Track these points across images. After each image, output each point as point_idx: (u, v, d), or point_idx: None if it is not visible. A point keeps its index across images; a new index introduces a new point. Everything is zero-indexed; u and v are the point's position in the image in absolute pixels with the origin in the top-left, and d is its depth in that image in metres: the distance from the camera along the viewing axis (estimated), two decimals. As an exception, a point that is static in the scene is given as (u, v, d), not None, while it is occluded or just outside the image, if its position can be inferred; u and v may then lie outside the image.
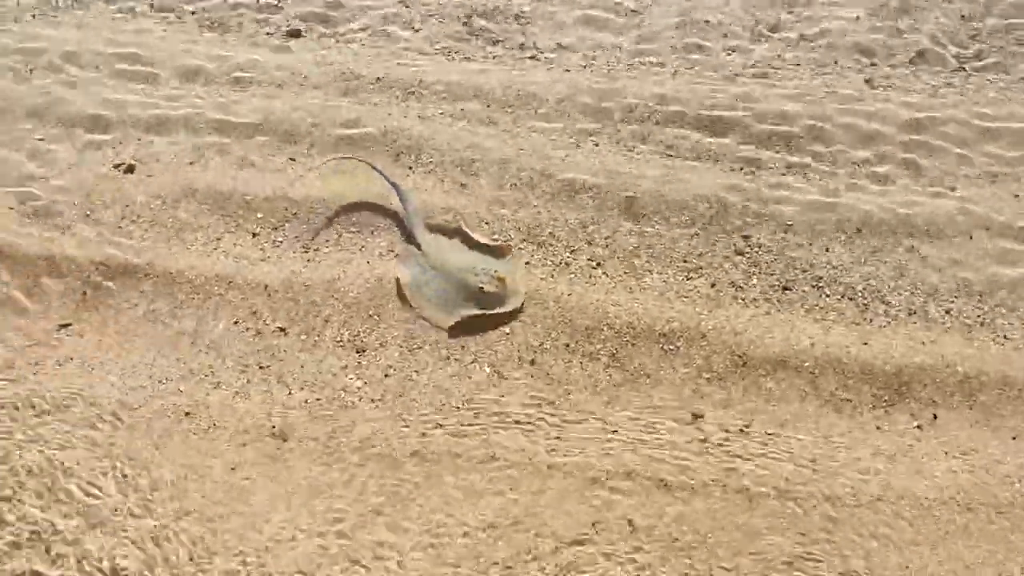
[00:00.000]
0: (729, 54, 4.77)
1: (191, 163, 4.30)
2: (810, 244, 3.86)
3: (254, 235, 4.00)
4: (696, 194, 4.04)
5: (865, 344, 3.50)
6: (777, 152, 4.24)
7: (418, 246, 3.85)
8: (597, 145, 4.28)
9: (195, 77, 4.77)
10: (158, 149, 4.37)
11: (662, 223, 3.95)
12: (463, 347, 3.60)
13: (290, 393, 3.49)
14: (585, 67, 4.69)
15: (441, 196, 4.07)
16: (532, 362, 3.54)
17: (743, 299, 3.68)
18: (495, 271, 3.72)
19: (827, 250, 3.84)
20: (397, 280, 3.74)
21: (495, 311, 3.67)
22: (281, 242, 3.99)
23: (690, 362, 3.50)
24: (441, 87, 4.60)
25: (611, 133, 4.33)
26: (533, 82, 4.60)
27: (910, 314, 3.62)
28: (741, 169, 4.15)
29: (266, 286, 3.80)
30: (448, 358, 3.58)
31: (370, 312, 3.71)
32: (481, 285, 3.68)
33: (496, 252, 3.85)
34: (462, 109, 4.49)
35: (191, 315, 3.73)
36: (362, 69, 4.73)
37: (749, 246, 3.86)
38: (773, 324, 3.58)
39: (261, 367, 3.56)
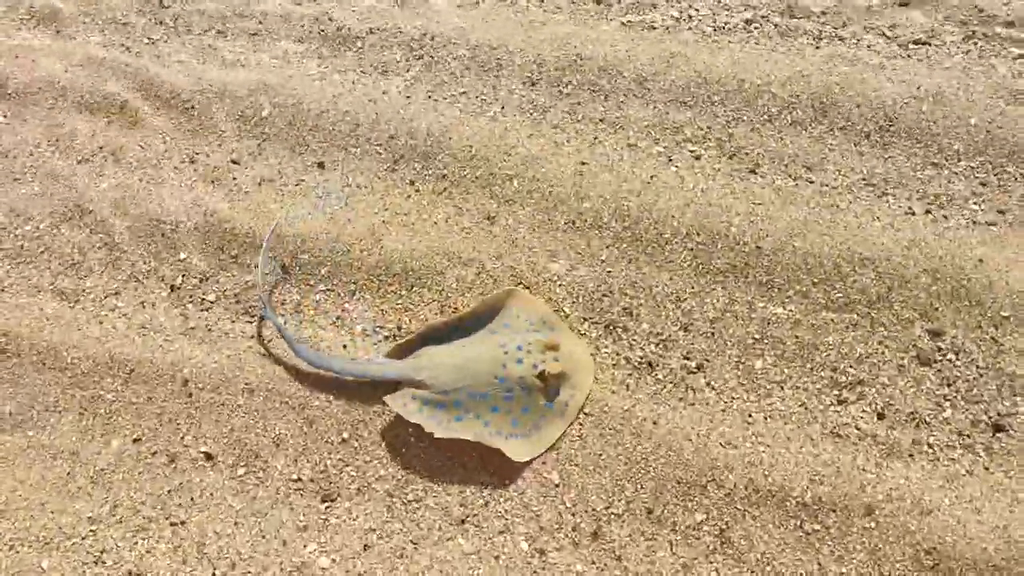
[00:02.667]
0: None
1: (79, 161, 2.92)
2: (1037, 350, 2.50)
3: (172, 289, 2.68)
4: (857, 252, 2.65)
5: None
6: (981, 179, 2.78)
7: (414, 384, 2.42)
8: (698, 159, 2.85)
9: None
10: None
11: (799, 299, 2.59)
12: (486, 503, 2.34)
13: (215, 576, 2.27)
14: (679, 22, 3.17)
15: (458, 237, 2.70)
16: (595, 535, 2.29)
17: (931, 445, 2.36)
18: (533, 341, 2.41)
19: (1066, 364, 2.48)
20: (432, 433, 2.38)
21: (575, 399, 2.41)
22: (213, 303, 2.67)
23: (846, 556, 2.23)
24: (464, 49, 3.11)
25: (718, 137, 2.87)
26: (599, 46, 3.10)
27: None
28: (927, 212, 2.72)
29: (186, 380, 2.51)
30: (463, 521, 2.32)
31: (344, 434, 2.43)
32: (537, 369, 2.36)
33: (511, 314, 2.52)
34: (494, 87, 3.03)
35: (69, 425, 2.47)
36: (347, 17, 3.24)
37: (939, 349, 2.50)
38: (982, 494, 2.29)
39: (173, 524, 2.33)
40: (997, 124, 2.83)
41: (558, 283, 2.61)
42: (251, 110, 2.91)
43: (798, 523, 2.30)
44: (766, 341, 2.52)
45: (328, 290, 2.62)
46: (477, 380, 2.40)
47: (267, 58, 3.04)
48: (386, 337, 2.55)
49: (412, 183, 2.80)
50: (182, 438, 2.45)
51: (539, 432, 2.40)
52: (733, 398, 2.46)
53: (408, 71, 3.02)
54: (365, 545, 2.33)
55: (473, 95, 2.96)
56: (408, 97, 2.95)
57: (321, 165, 2.83)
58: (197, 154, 2.86)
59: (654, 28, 3.08)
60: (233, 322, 2.59)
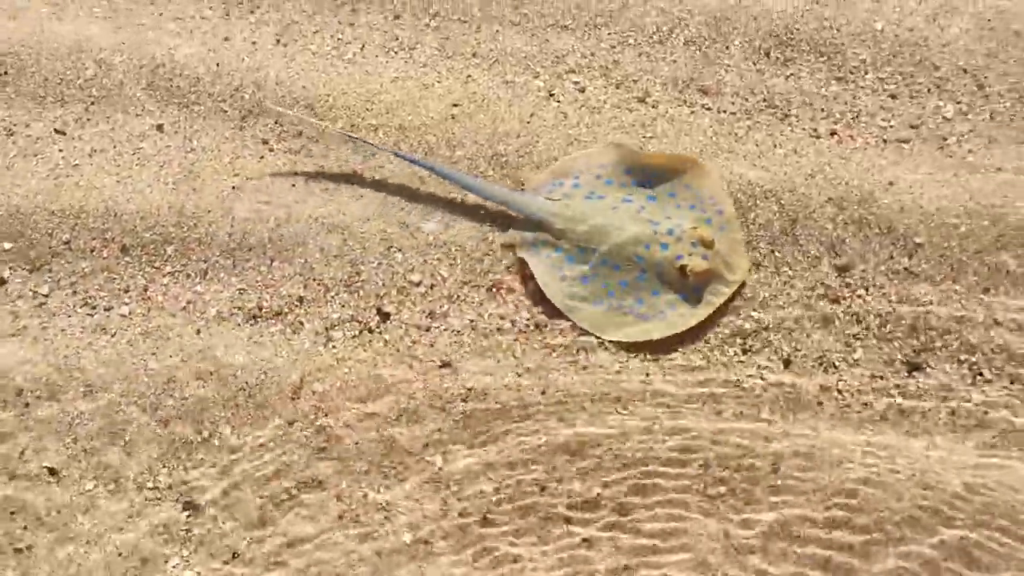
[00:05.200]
0: None
1: None
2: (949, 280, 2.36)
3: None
4: (757, 185, 2.45)
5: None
6: (891, 92, 2.59)
7: (537, 224, 2.37)
8: (583, 91, 2.60)
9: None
10: None
11: (699, 239, 2.41)
12: (365, 495, 2.18)
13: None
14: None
15: (319, 200, 2.44)
16: (485, 520, 2.15)
17: (840, 391, 2.24)
18: (688, 229, 2.29)
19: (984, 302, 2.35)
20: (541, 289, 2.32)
21: (709, 303, 2.29)
22: (47, 296, 2.42)
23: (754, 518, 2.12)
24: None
25: (602, 65, 2.63)
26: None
27: None
28: (832, 134, 2.53)
29: (20, 390, 2.29)
30: (341, 517, 2.17)
31: (203, 432, 2.24)
32: (680, 261, 2.25)
33: (680, 184, 2.41)
34: (351, 23, 2.74)
35: None
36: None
37: (848, 285, 2.35)
38: (895, 442, 2.17)
39: (17, 551, 2.14)
40: (906, 27, 2.64)
41: (434, 244, 2.41)
42: (72, 71, 2.61)
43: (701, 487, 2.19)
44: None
45: (177, 272, 2.39)
46: (614, 251, 2.31)
47: (86, 8, 2.72)
48: (246, 318, 2.34)
49: (265, 142, 2.55)
50: (21, 452, 2.25)
51: (664, 320, 2.28)
52: (629, 357, 2.31)
53: (253, 12, 2.72)
54: (234, 553, 2.18)
55: (327, 34, 2.68)
56: (253, 43, 2.67)
57: (160, 128, 2.56)
58: (15, 125, 2.57)
59: (529, -58, 2.81)
60: (70, 316, 2.36)
